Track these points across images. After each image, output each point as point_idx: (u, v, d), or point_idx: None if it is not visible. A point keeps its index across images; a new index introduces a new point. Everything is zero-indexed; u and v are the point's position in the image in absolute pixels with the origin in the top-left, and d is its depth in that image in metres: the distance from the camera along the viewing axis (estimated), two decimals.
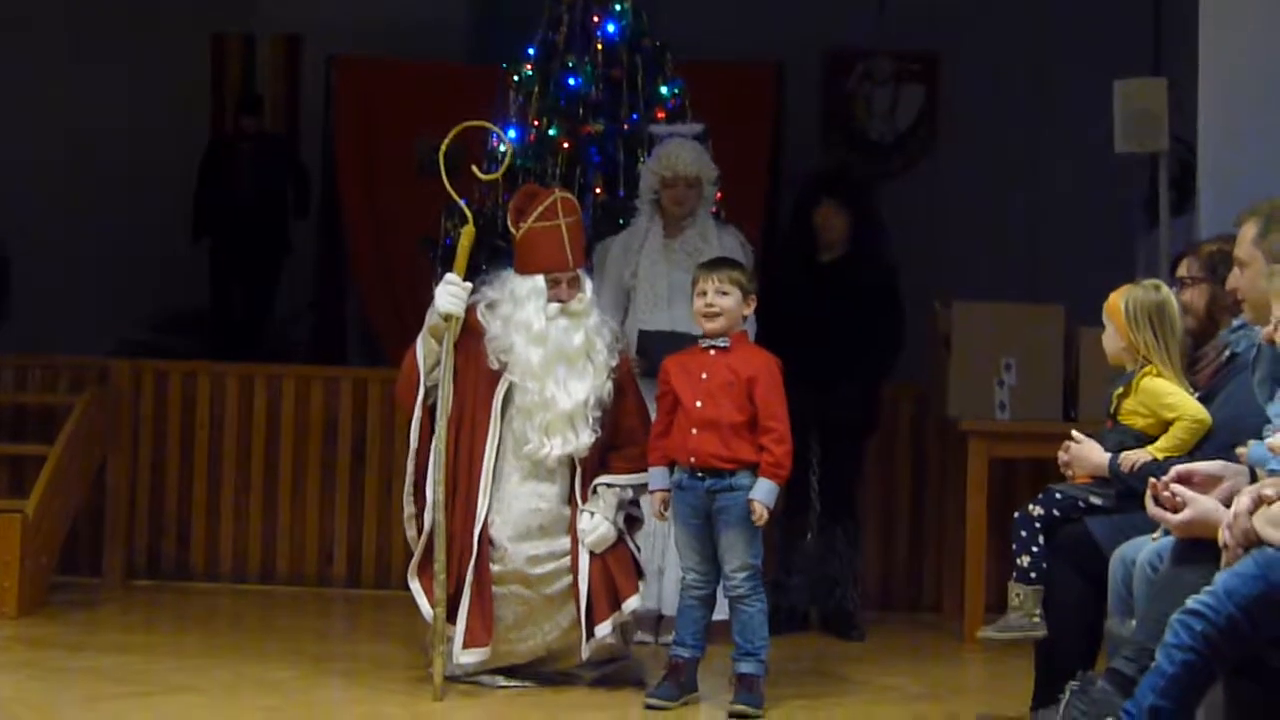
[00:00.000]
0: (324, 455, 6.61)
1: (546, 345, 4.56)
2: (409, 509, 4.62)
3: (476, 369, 4.60)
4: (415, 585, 4.56)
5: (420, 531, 4.56)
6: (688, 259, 5.49)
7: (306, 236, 8.70)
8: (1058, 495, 4.17)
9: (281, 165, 8.55)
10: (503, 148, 6.17)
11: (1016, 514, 4.21)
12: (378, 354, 8.31)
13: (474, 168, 5.18)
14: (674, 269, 5.51)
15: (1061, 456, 4.19)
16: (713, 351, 4.50)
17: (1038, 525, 4.12)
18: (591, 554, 4.53)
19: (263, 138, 8.62)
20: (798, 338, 5.27)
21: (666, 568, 5.31)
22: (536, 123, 6.51)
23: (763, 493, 4.38)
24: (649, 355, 5.25)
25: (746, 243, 5.63)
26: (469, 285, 4.57)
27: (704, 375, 4.46)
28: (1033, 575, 4.10)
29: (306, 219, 8.66)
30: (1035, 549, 4.10)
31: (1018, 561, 4.14)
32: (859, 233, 5.70)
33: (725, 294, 4.48)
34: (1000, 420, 5.65)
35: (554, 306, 4.60)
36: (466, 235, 4.60)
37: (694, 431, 4.43)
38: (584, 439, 4.55)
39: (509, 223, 4.65)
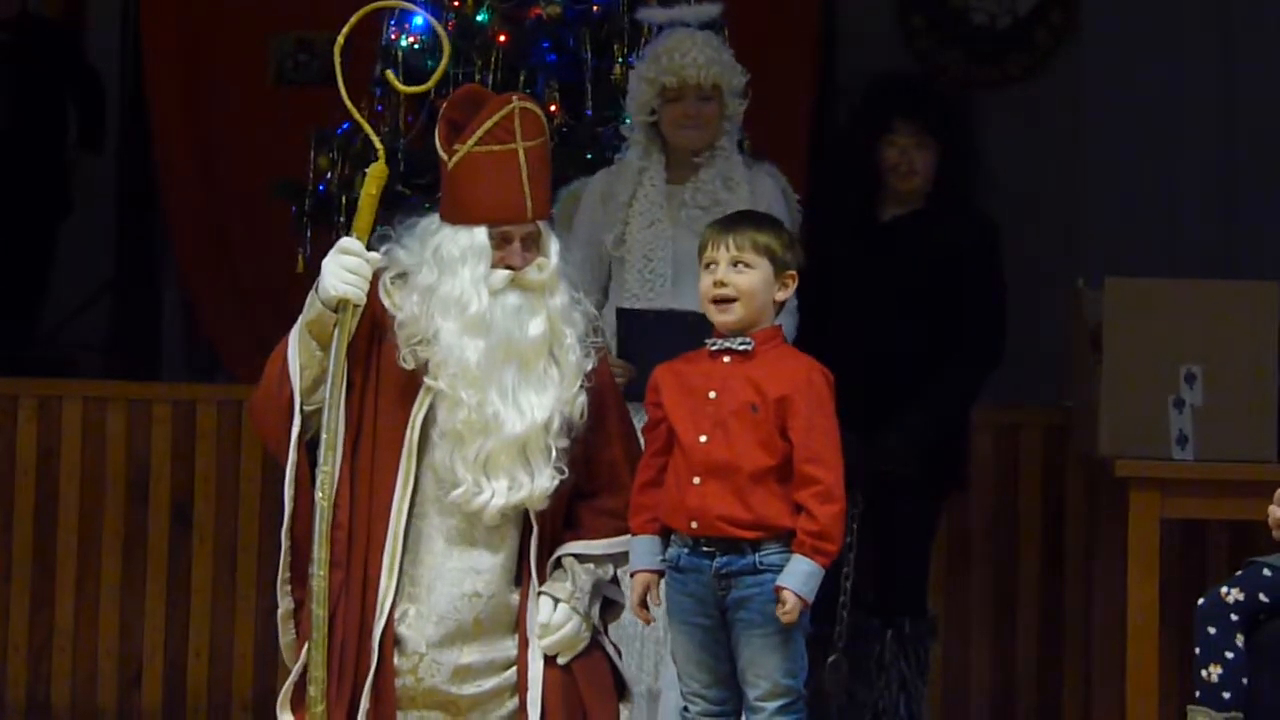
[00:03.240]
0: (128, 521, 6.69)
1: (489, 335, 4.54)
2: (285, 603, 4.64)
3: (381, 379, 4.61)
4: None
5: (304, 638, 4.54)
6: (703, 217, 5.47)
7: (100, 183, 8.77)
8: (1266, 573, 4.27)
9: (59, 70, 8.62)
10: (406, 42, 6.25)
11: (1202, 599, 4.31)
12: (211, 362, 8.38)
13: (389, 75, 5.24)
14: (684, 233, 5.54)
15: (1275, 513, 4.31)
16: (726, 358, 4.53)
17: (1235, 619, 4.21)
18: (549, 663, 4.55)
19: (27, 25, 8.68)
20: (837, 339, 5.30)
21: (663, 688, 5.36)
22: (457, 4, 6.60)
23: (797, 578, 4.41)
24: (632, 352, 5.31)
25: (791, 191, 5.70)
26: (376, 257, 4.56)
27: (712, 394, 4.51)
28: (1226, 695, 4.20)
29: (100, 155, 8.74)
30: (1230, 655, 4.19)
31: (1203, 674, 4.24)
32: (949, 177, 5.77)
33: (746, 268, 4.52)
34: (1179, 461, 5.73)
35: (501, 275, 4.57)
36: (375, 178, 4.58)
37: (696, 481, 4.47)
38: (542, 482, 4.53)
39: (438, 143, 4.61)
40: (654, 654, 5.40)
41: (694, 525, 4.49)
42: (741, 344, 4.52)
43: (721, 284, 4.51)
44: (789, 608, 4.40)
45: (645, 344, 5.28)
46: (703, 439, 4.48)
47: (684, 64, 5.53)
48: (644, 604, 4.57)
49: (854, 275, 5.66)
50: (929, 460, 5.67)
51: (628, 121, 5.72)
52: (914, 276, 5.69)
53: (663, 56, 5.57)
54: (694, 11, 5.79)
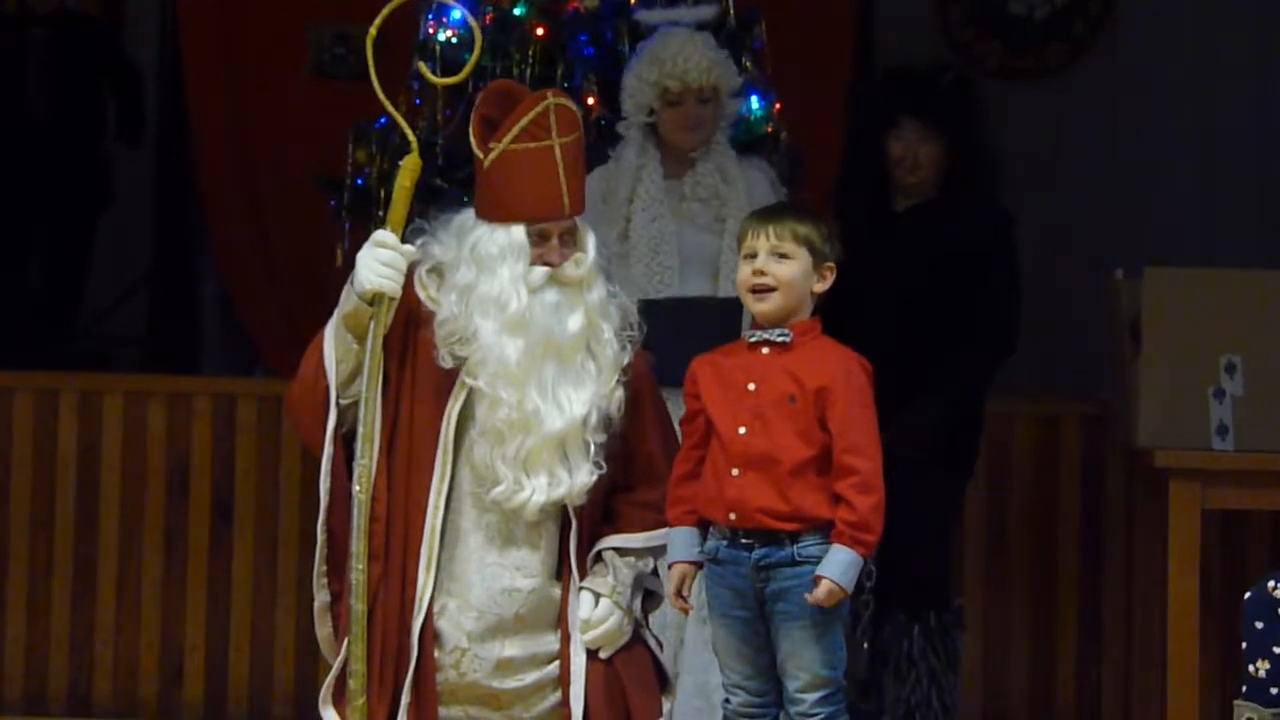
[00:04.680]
0: (169, 515, 6.72)
1: (529, 333, 4.54)
2: (322, 595, 4.65)
3: (416, 372, 4.61)
4: (330, 716, 4.58)
5: (342, 631, 4.57)
6: (704, 210, 5.62)
7: (139, 176, 8.81)
8: None
9: (98, 64, 8.66)
10: (444, 36, 6.27)
11: (1249, 594, 4.29)
12: (250, 356, 8.41)
13: (422, 66, 5.25)
14: (687, 226, 5.63)
15: None
16: (765, 349, 4.54)
17: None
18: (591, 656, 4.56)
19: (66, 20, 8.73)
20: (849, 331, 5.30)
21: (680, 671, 5.39)
22: None
23: (836, 567, 4.42)
24: (650, 340, 5.34)
25: (779, 184, 5.77)
26: (411, 250, 4.56)
27: (751, 386, 4.52)
28: (1273, 691, 4.19)
29: (139, 149, 8.78)
30: (1278, 650, 4.20)
31: (1250, 668, 4.23)
32: (958, 169, 5.78)
33: (785, 259, 4.52)
34: (1220, 452, 5.71)
35: (540, 272, 4.56)
36: (408, 171, 4.57)
37: (735, 473, 4.48)
38: (581, 477, 4.53)
39: (473, 141, 4.60)
40: (674, 639, 5.43)
41: (732, 517, 4.49)
42: (780, 335, 4.53)
43: (761, 273, 4.52)
44: (823, 595, 4.40)
45: (664, 332, 5.32)
46: (741, 431, 4.49)
47: (687, 68, 5.61)
48: (680, 594, 4.59)
49: (865, 268, 5.67)
50: (940, 445, 5.69)
51: (623, 119, 5.78)
52: (924, 268, 5.72)
53: (665, 60, 5.64)
54: (692, 13, 5.85)
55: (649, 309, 5.37)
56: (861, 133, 5.93)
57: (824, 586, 4.40)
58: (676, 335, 4.97)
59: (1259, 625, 4.23)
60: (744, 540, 4.49)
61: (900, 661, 5.74)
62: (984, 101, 6.03)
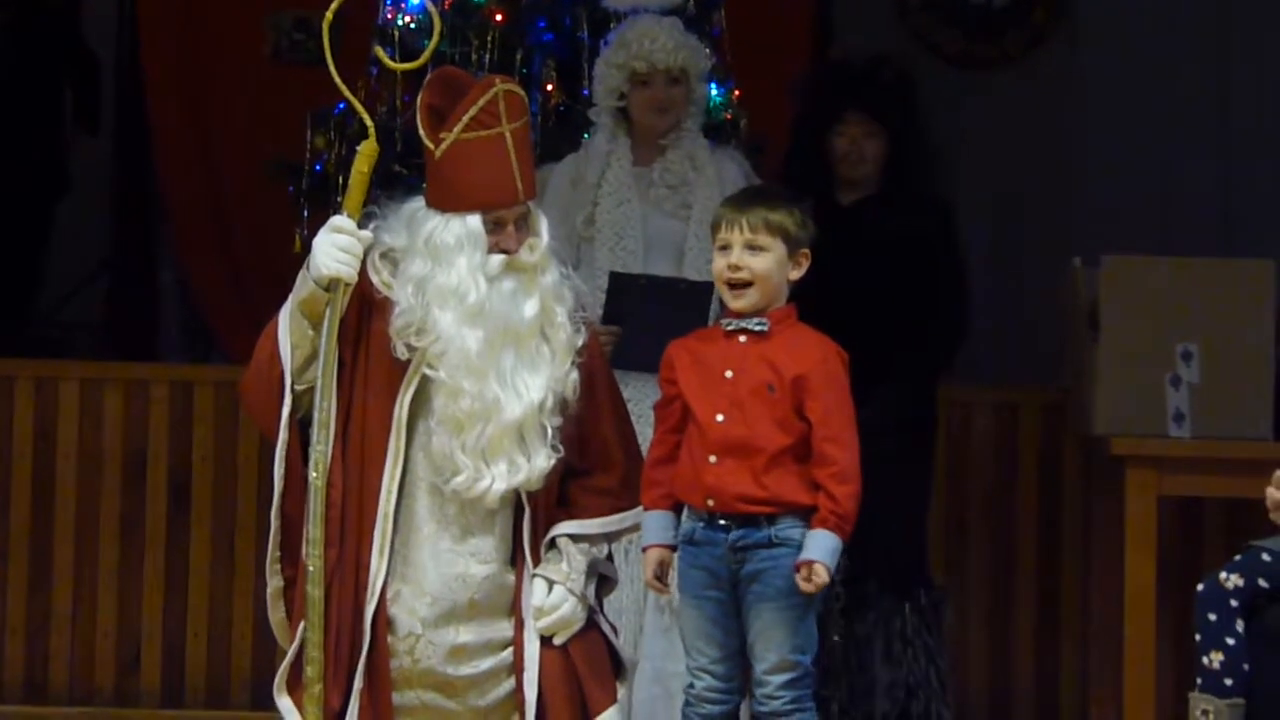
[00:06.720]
0: (125, 500, 6.70)
1: (488, 323, 4.53)
2: (275, 581, 4.64)
3: (369, 358, 4.60)
4: (285, 704, 4.57)
5: (296, 616, 4.57)
6: (671, 196, 5.61)
7: (97, 163, 8.77)
8: (1265, 558, 4.27)
9: (56, 50, 8.62)
10: (403, 21, 6.25)
11: (1201, 585, 4.31)
12: (207, 342, 8.37)
13: (380, 52, 5.22)
14: (653, 212, 5.62)
15: (1273, 495, 4.30)
16: (742, 337, 4.55)
17: (1235, 604, 4.21)
18: (545, 643, 4.55)
19: (22, 5, 8.68)
20: (803, 319, 5.34)
21: (641, 658, 5.36)
22: None
23: (821, 550, 4.43)
24: (620, 316, 5.33)
25: (754, 175, 5.75)
26: (368, 236, 4.54)
27: (729, 373, 4.53)
28: (1228, 682, 4.20)
29: (97, 136, 8.73)
30: (1231, 640, 4.19)
31: (1205, 660, 4.24)
32: (900, 162, 5.81)
33: (760, 251, 4.53)
34: (1176, 439, 5.76)
35: (497, 260, 4.56)
36: (365, 156, 4.56)
37: (713, 460, 4.50)
38: (539, 462, 4.53)
39: (422, 130, 4.58)
40: (634, 624, 5.43)
41: (710, 503, 4.51)
42: (758, 324, 4.55)
43: (737, 267, 4.53)
44: (818, 571, 4.40)
45: (634, 308, 5.32)
46: (719, 418, 4.50)
47: (654, 49, 5.62)
48: (658, 578, 4.60)
49: (816, 258, 5.70)
50: (906, 431, 5.71)
51: (593, 106, 5.77)
52: (871, 261, 5.73)
53: (632, 43, 5.65)
54: None
55: (625, 283, 5.39)
56: (805, 127, 5.94)
57: (817, 569, 4.41)
58: (647, 313, 5.03)
59: (1211, 617, 4.24)
60: (721, 522, 4.51)
61: (893, 644, 5.75)
62: (924, 94, 6.05)
